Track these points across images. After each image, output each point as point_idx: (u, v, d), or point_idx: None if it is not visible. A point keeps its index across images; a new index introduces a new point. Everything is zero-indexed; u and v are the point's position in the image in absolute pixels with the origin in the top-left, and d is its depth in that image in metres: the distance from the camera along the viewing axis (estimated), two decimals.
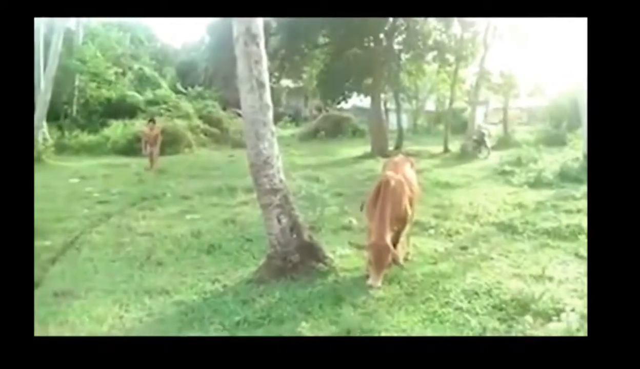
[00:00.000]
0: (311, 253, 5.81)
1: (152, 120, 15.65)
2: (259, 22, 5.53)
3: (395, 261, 5.31)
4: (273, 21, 21.98)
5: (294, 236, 5.72)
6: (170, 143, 20.10)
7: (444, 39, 21.65)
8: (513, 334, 4.16)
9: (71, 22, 21.88)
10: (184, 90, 31.22)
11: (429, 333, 4.28)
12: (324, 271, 5.70)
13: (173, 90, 29.50)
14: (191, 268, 6.13)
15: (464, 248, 6.91)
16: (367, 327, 4.34)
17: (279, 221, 5.66)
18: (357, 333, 4.22)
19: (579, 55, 15.02)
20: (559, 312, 4.30)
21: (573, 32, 13.91)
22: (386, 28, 20.71)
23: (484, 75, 22.02)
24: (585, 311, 4.19)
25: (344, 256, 6.35)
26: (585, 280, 5.42)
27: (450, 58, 22.22)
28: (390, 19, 20.05)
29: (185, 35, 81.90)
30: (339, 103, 26.65)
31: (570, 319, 3.69)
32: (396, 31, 21.43)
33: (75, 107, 23.26)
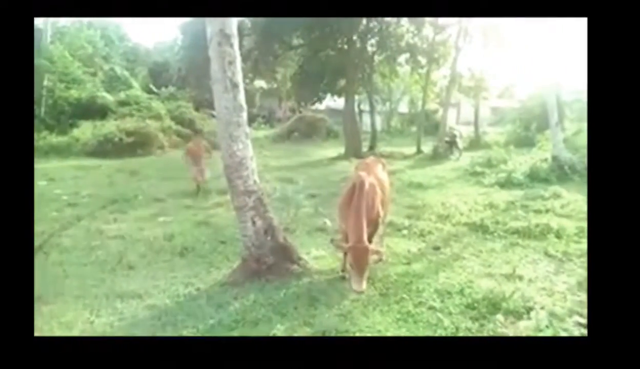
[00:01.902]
0: (285, 254, 5.81)
1: (197, 133, 14.07)
2: (232, 23, 5.50)
3: (379, 258, 5.39)
4: (247, 22, 21.91)
5: (268, 238, 5.70)
6: (142, 144, 19.82)
7: (416, 42, 21.90)
8: (485, 333, 4.23)
9: (39, 21, 21.35)
10: (156, 91, 30.80)
11: (403, 333, 4.32)
12: (298, 272, 5.69)
13: (145, 91, 29.06)
14: (164, 271, 6.06)
15: (436, 248, 6.99)
16: (342, 328, 4.37)
17: (253, 223, 5.64)
18: (332, 334, 4.23)
19: (549, 57, 15.45)
20: (528, 310, 4.39)
21: (545, 34, 14.27)
22: (360, 30, 20.85)
23: (455, 78, 22.33)
24: (554, 309, 4.31)
25: (318, 257, 6.38)
26: (554, 278, 5.58)
27: (423, 60, 22.49)
28: (364, 21, 20.19)
29: (157, 34, 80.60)
30: (313, 104, 26.74)
31: (540, 317, 3.78)
32: (369, 33, 21.58)
33: (43, 108, 22.67)
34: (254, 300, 5.00)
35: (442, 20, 21.20)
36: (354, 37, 21.08)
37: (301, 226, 8.05)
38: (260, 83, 34.11)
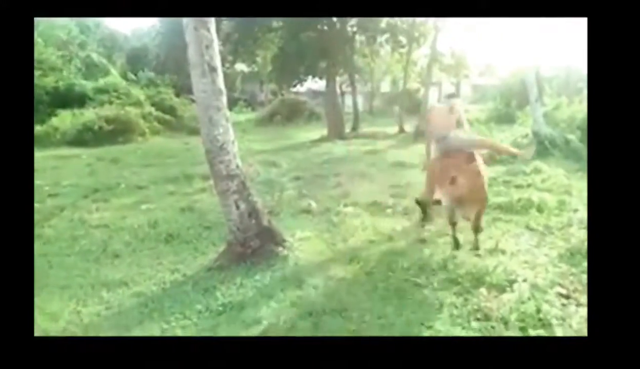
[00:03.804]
0: (271, 237, 5.83)
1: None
2: None
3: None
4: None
5: (253, 221, 5.71)
6: (122, 132, 19.56)
7: (396, 22, 21.84)
8: (469, 307, 4.32)
9: None
10: (134, 77, 30.34)
11: (389, 311, 4.37)
12: (284, 255, 5.73)
13: (123, 78, 28.60)
14: (149, 258, 6.04)
15: (420, 225, 7.06)
16: (328, 308, 4.42)
17: (237, 207, 5.64)
18: (319, 314, 4.28)
19: (528, 34, 15.54)
20: (511, 283, 4.48)
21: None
22: (354, 20, 20.74)
23: (436, 57, 22.34)
24: (536, 281, 4.39)
25: (303, 238, 6.41)
26: (535, 251, 5.68)
27: (403, 40, 22.47)
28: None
29: (135, 20, 79.00)
30: (294, 87, 26.58)
31: (522, 289, 3.85)
32: (363, 23, 21.49)
33: None
34: (240, 283, 5.02)
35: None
36: (334, 18, 20.94)
37: (285, 209, 8.07)
38: (240, 66, 33.76)
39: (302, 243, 6.22)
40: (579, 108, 14.23)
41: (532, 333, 3.29)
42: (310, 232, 6.72)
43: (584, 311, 3.73)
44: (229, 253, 5.65)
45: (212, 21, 5.44)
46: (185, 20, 5.37)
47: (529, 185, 9.20)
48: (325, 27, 21.16)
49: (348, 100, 26.01)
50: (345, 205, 8.22)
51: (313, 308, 4.41)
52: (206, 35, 5.37)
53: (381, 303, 4.55)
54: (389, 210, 7.97)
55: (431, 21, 21.57)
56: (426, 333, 3.95)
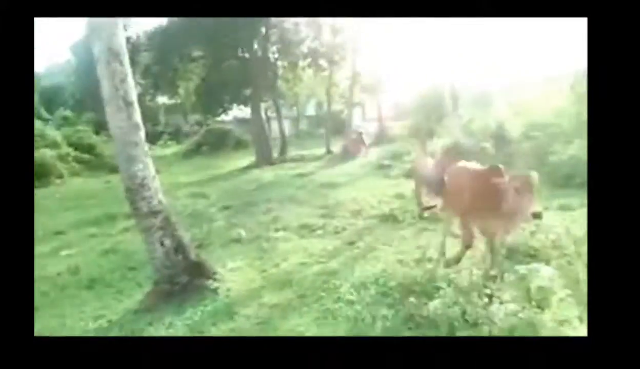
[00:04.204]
0: (199, 271, 5.66)
1: None
2: (120, 40, 5.27)
3: None
4: (142, 37, 21.22)
5: (180, 257, 5.53)
6: (38, 175, 18.49)
7: (316, 46, 22.32)
8: (401, 317, 4.39)
9: None
10: (49, 117, 28.95)
11: (325, 331, 4.37)
12: (214, 287, 5.58)
13: (38, 118, 27.18)
14: (71, 307, 5.68)
15: (351, 243, 7.14)
16: (263, 336, 4.34)
17: (162, 243, 5.45)
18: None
19: (443, 52, 16.39)
20: (438, 289, 4.61)
21: (438, 32, 15.14)
22: (259, 38, 20.90)
23: (357, 77, 22.99)
24: (462, 285, 4.53)
25: (234, 269, 6.29)
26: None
27: (324, 64, 22.96)
28: (263, 29, 20.28)
29: (48, 57, 75.58)
30: (219, 116, 26.35)
31: (448, 294, 3.95)
32: (269, 41, 21.70)
33: None
34: (169, 323, 4.83)
35: (339, 24, 21.78)
36: (255, 46, 21.09)
37: (215, 240, 7.90)
38: (162, 99, 33.08)
39: (233, 274, 6.10)
40: (492, 119, 15.05)
41: (459, 334, 3.37)
42: (241, 261, 6.61)
43: (508, 308, 3.86)
44: (156, 292, 5.42)
45: (124, 54, 5.28)
46: (96, 54, 5.20)
47: None
48: (247, 55, 21.22)
49: (274, 126, 26.08)
50: (276, 230, 8.18)
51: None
52: (119, 68, 5.21)
53: (315, 323, 4.54)
54: (319, 231, 8.00)
55: (350, 44, 22.20)
56: None
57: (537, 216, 4.12)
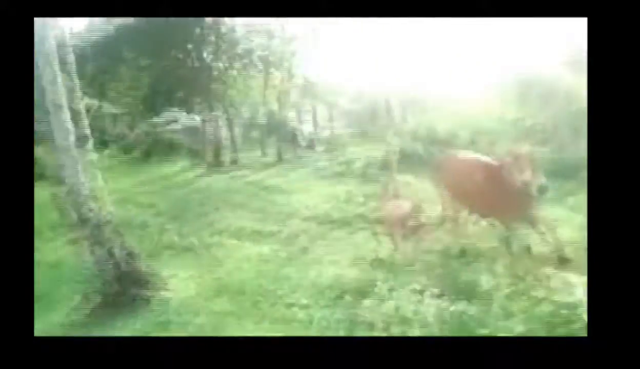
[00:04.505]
0: (134, 280, 5.43)
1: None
2: (50, 41, 5.04)
3: None
4: (88, 48, 20.59)
5: (112, 266, 5.31)
6: None
7: (267, 54, 22.27)
8: (336, 318, 4.46)
9: None
10: None
11: (261, 333, 4.34)
12: (166, 298, 5.44)
13: None
14: None
15: (287, 245, 7.25)
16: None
17: (93, 253, 5.25)
18: None
19: (390, 57, 16.74)
20: (373, 287, 4.72)
21: (385, 36, 15.48)
22: (210, 48, 20.65)
23: (308, 85, 23.06)
24: (394, 283, 4.63)
25: (185, 278, 6.18)
26: (394, 254, 6.01)
27: (275, 71, 22.95)
28: (213, 38, 20.06)
29: None
30: (168, 124, 25.78)
31: (382, 292, 4.03)
32: (219, 50, 21.46)
33: None
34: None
35: (289, 32, 21.80)
36: (204, 55, 20.81)
37: (164, 250, 7.70)
38: (108, 108, 32.07)
39: (184, 283, 5.99)
40: (423, 121, 15.55)
41: (395, 330, 3.44)
42: (193, 270, 6.49)
43: (439, 303, 3.95)
44: (86, 305, 5.23)
45: (54, 56, 5.04)
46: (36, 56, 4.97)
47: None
48: (197, 64, 20.90)
49: (225, 133, 25.69)
50: (228, 238, 8.07)
51: None
52: (49, 70, 4.98)
53: (271, 329, 4.52)
54: (272, 238, 7.95)
55: (301, 50, 22.23)
56: None
57: (542, 190, 4.20)
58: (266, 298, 5.27)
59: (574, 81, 13.89)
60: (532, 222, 5.09)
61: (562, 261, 4.82)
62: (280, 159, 19.59)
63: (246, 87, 29.76)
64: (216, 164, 21.18)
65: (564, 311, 3.14)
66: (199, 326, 4.75)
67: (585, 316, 3.02)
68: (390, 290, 4.73)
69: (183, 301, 5.43)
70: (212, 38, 21.10)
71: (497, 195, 4.77)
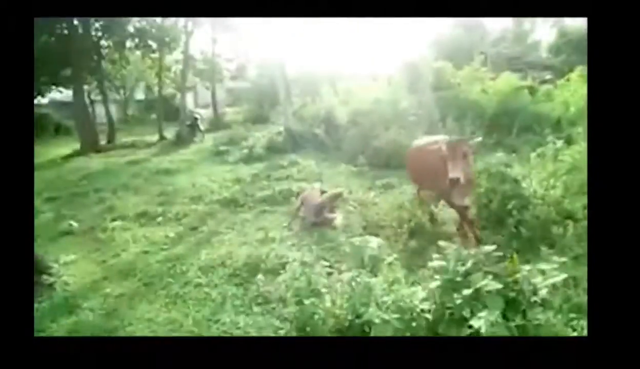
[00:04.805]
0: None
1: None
2: None
3: None
4: None
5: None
6: None
7: (144, 25, 21.19)
8: (250, 294, 4.66)
9: None
10: None
11: (174, 315, 4.45)
12: (50, 283, 5.24)
13: None
14: None
15: (193, 228, 7.19)
16: (109, 326, 4.28)
17: None
18: (100, 334, 4.12)
19: (275, 38, 16.89)
20: (284, 265, 4.97)
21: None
22: (99, 24, 19.13)
23: (189, 61, 22.43)
24: (304, 258, 4.93)
25: (69, 262, 5.95)
26: (300, 234, 6.32)
27: (153, 45, 21.95)
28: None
29: None
30: (35, 98, 23.62)
31: (294, 268, 4.28)
32: (110, 27, 20.03)
33: None
34: None
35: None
36: (75, 22, 19.20)
37: (43, 234, 7.29)
38: None
39: (69, 267, 5.78)
40: (322, 106, 15.97)
41: (306, 302, 3.72)
42: (76, 254, 6.27)
43: (346, 276, 4.32)
44: None
45: None
46: None
47: (287, 177, 10.11)
48: (66, 31, 19.21)
49: (100, 110, 24.17)
50: (113, 220, 7.83)
51: (92, 331, 4.21)
52: None
53: (165, 309, 4.59)
54: (159, 219, 7.86)
55: (181, 25, 21.50)
56: (215, 327, 4.16)
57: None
58: (159, 279, 5.29)
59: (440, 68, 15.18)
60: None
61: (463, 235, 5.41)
62: (178, 141, 19.02)
63: (139, 67, 28.26)
64: (109, 148, 19.91)
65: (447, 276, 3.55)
66: (89, 309, 4.69)
67: None
68: (284, 264, 5.01)
69: (69, 286, 5.27)
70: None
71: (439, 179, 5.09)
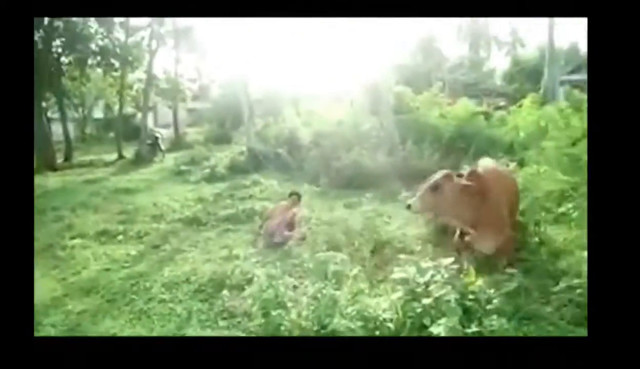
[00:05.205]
0: None
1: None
2: None
3: None
4: None
5: None
6: None
7: (107, 44, 21.01)
8: (215, 310, 4.70)
9: None
10: None
11: (139, 329, 4.45)
12: None
13: None
14: None
15: (156, 246, 7.16)
16: None
17: None
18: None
19: (239, 59, 17.07)
20: (249, 281, 5.05)
21: (234, 35, 15.76)
22: (41, 29, 18.77)
23: (152, 81, 22.31)
24: (270, 272, 5.01)
25: None
26: (264, 251, 6.41)
27: (116, 63, 21.74)
28: (45, 20, 18.28)
29: None
30: None
31: (261, 281, 4.37)
32: (54, 33, 19.67)
33: None
34: None
35: (132, 23, 20.92)
36: (35, 37, 18.82)
37: None
38: None
39: (40, 284, 5.68)
40: (284, 126, 16.18)
41: (273, 313, 3.81)
42: (36, 271, 6.13)
43: (311, 290, 4.43)
44: None
45: None
46: None
47: (250, 197, 10.20)
48: (44, 55, 18.78)
49: (56, 128, 23.58)
50: (72, 238, 7.71)
51: None
52: None
53: (130, 324, 4.58)
54: (120, 237, 7.79)
55: (145, 43, 21.43)
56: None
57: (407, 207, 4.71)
58: (122, 295, 5.28)
59: (401, 92, 15.68)
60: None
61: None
62: (137, 161, 18.75)
63: (99, 85, 27.80)
64: (66, 166, 19.36)
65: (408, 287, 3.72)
66: (51, 325, 4.64)
67: None
68: (249, 280, 5.09)
69: (37, 302, 5.17)
70: (61, 30, 19.30)
71: None
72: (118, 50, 21.11)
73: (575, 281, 4.03)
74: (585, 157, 6.93)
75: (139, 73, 23.92)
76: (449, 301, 3.39)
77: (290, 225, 6.95)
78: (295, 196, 7.75)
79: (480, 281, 3.63)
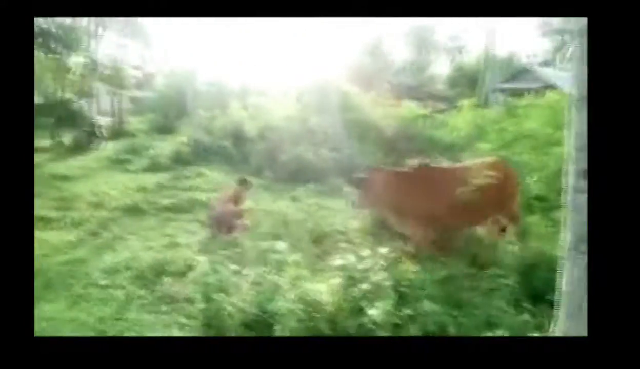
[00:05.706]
0: None
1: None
2: None
3: None
4: None
5: None
6: None
7: (49, 25, 20.08)
8: (156, 295, 4.73)
9: None
10: None
11: (77, 313, 4.42)
12: None
13: None
14: None
15: (94, 233, 7.04)
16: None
17: None
18: None
19: (186, 50, 16.79)
20: (190, 267, 5.10)
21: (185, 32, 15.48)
22: None
23: (95, 67, 21.55)
24: (213, 258, 5.08)
25: None
26: (206, 240, 6.46)
27: (57, 46, 20.83)
28: None
29: None
30: None
31: (203, 267, 4.45)
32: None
33: None
34: None
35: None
36: None
37: None
38: None
39: None
40: (230, 120, 16.08)
41: (214, 296, 3.90)
42: None
43: (252, 275, 4.52)
44: None
45: None
46: None
47: (190, 188, 10.23)
48: None
49: None
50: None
51: None
52: None
53: (68, 309, 4.54)
54: (56, 223, 7.58)
55: (91, 27, 20.66)
56: (119, 324, 4.20)
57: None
58: (60, 280, 5.21)
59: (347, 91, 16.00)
60: None
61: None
62: (75, 148, 17.98)
63: (39, 69, 26.36)
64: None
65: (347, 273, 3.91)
66: None
67: None
68: (191, 266, 5.15)
69: None
70: None
71: None
72: (60, 32, 20.23)
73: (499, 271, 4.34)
74: (515, 159, 7.41)
75: (80, 58, 22.99)
76: (385, 286, 3.62)
77: (238, 215, 6.97)
78: (245, 184, 7.49)
79: (414, 268, 3.88)
